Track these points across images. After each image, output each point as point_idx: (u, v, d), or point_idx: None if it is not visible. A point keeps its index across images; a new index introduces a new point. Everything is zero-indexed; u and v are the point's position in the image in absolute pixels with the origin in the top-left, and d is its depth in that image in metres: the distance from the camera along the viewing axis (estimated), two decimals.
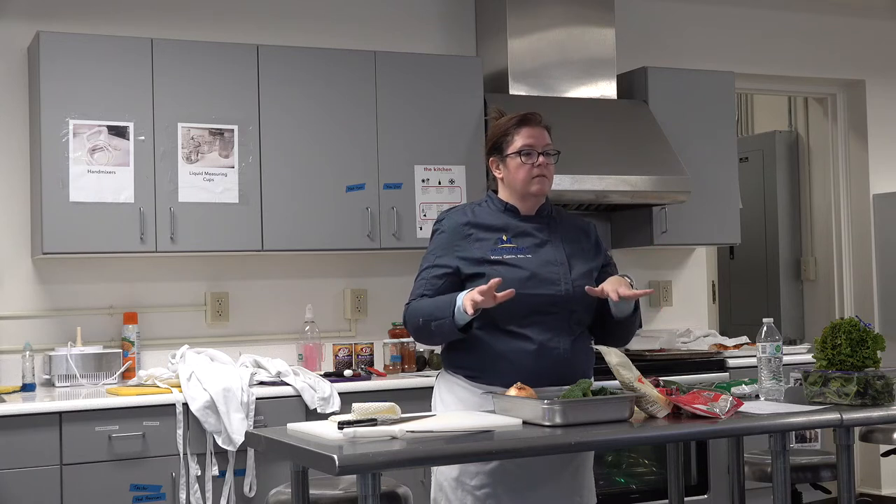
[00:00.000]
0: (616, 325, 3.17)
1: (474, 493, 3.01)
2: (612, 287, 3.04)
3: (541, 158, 3.12)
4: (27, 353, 4.27)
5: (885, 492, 6.07)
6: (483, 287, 2.89)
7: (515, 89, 5.04)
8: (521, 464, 2.99)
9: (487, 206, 3.21)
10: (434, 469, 3.13)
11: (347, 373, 4.48)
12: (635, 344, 5.19)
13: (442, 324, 3.01)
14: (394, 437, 2.61)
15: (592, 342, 3.22)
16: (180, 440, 3.97)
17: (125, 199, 4.26)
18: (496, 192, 3.24)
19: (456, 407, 3.12)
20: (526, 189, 3.14)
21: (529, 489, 3.02)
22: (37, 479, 3.79)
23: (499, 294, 2.89)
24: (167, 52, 4.38)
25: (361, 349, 4.66)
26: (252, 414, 4.04)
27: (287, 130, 4.55)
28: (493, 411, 2.92)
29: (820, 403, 3.07)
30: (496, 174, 3.21)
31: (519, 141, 3.13)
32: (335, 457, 2.41)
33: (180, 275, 4.71)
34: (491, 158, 3.21)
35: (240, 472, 4.06)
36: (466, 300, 2.92)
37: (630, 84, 5.34)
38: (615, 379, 2.93)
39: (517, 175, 3.13)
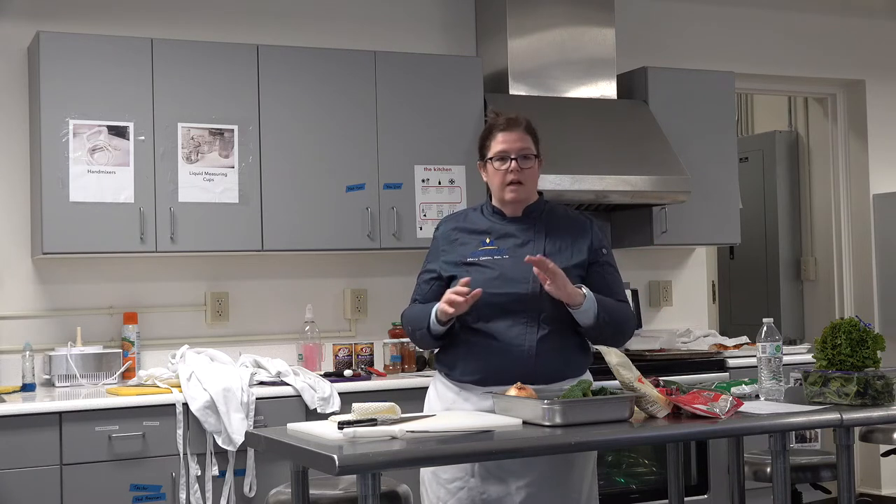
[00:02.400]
0: (585, 331, 3.16)
1: (446, 486, 3.10)
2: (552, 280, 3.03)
3: (513, 164, 3.14)
4: (27, 353, 4.27)
5: (885, 492, 6.07)
6: (448, 295, 3.01)
7: (515, 89, 5.03)
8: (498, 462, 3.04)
9: (481, 210, 3.30)
10: None
11: (347, 373, 4.48)
12: (635, 344, 5.21)
13: (424, 333, 3.18)
14: (394, 437, 2.61)
15: (579, 341, 3.21)
16: (180, 440, 3.97)
17: (125, 199, 4.26)
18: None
19: (436, 401, 3.24)
20: (500, 195, 3.21)
21: (506, 482, 3.05)
22: (37, 479, 3.79)
23: (467, 297, 2.99)
24: (167, 52, 4.38)
25: (361, 349, 4.66)
26: (252, 414, 4.04)
27: (287, 130, 4.55)
28: (492, 411, 2.93)
29: (820, 403, 3.07)
30: (483, 178, 3.29)
31: (495, 146, 3.19)
32: (335, 457, 2.41)
33: (180, 275, 4.71)
34: (478, 162, 3.29)
35: (240, 472, 4.06)
36: (439, 312, 3.08)
37: (630, 84, 5.34)
38: (615, 379, 2.94)
39: (494, 181, 3.21)
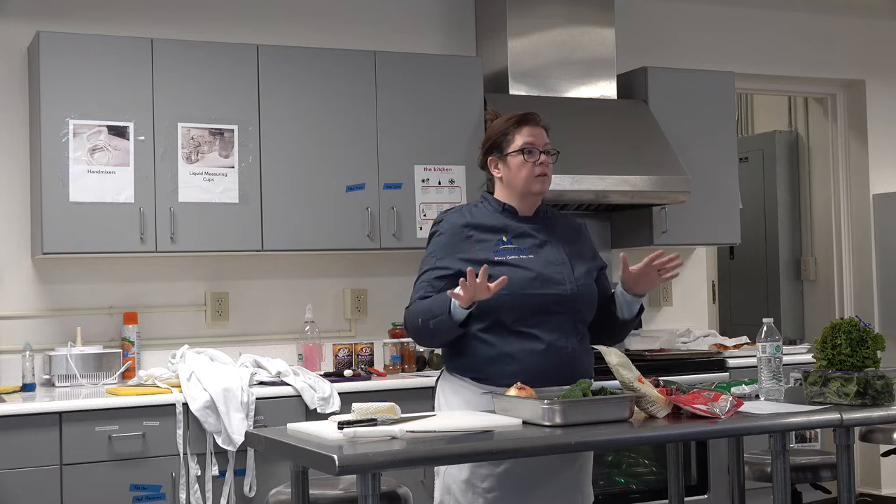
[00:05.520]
0: (619, 324, 3.20)
1: (486, 496, 2.99)
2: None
3: (542, 157, 3.12)
4: (27, 353, 4.27)
5: (885, 492, 6.07)
6: (462, 283, 2.88)
7: (515, 89, 5.04)
8: (530, 465, 2.98)
9: (484, 207, 3.20)
10: (440, 472, 3.11)
11: (347, 373, 4.48)
12: (635, 344, 5.21)
13: (440, 321, 2.99)
14: (394, 437, 2.61)
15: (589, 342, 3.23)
16: (180, 440, 3.97)
17: (125, 199, 4.26)
18: (492, 193, 3.24)
19: (461, 408, 3.10)
20: (527, 188, 3.13)
21: (536, 490, 3.01)
22: (37, 479, 3.79)
23: (491, 285, 2.88)
24: (167, 52, 4.38)
25: (361, 349, 4.66)
26: (252, 414, 4.04)
27: (287, 130, 4.55)
28: (493, 411, 2.92)
29: (820, 403, 3.07)
30: (495, 174, 3.19)
31: (520, 140, 3.13)
32: (335, 457, 2.41)
33: (180, 275, 4.71)
34: (489, 158, 3.20)
35: (240, 472, 4.06)
36: (456, 298, 2.92)
37: (630, 84, 5.34)
38: (615, 379, 2.93)
39: (519, 173, 3.12)
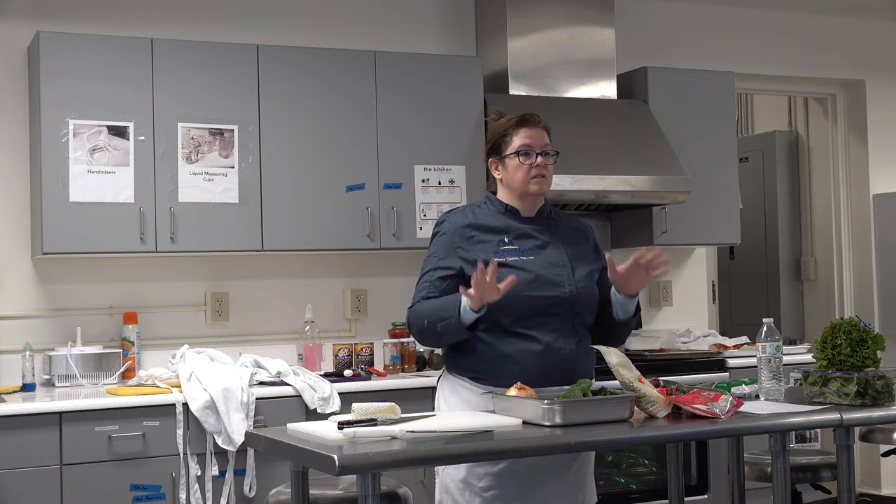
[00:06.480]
0: (617, 326, 3.19)
1: (482, 495, 3.00)
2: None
3: (539, 159, 3.13)
4: (27, 353, 4.27)
5: (885, 492, 6.07)
6: (475, 278, 2.87)
7: (515, 89, 5.04)
8: (528, 464, 2.98)
9: (487, 208, 3.20)
10: (439, 471, 3.12)
11: (347, 373, 4.48)
12: (635, 344, 5.21)
13: (448, 324, 2.99)
14: (394, 437, 2.61)
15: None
16: (180, 440, 3.97)
17: (125, 199, 4.26)
18: (495, 193, 3.25)
19: (461, 408, 3.11)
20: (524, 189, 3.13)
21: (534, 489, 3.01)
22: (37, 479, 3.79)
23: (500, 285, 2.89)
24: (167, 52, 4.38)
25: (361, 349, 4.66)
26: (252, 414, 4.04)
27: (287, 130, 4.55)
28: (493, 411, 2.93)
29: (820, 403, 3.07)
30: (495, 175, 3.21)
31: (517, 141, 3.13)
32: (335, 457, 2.41)
33: (180, 275, 4.71)
34: (490, 159, 3.21)
35: (240, 472, 4.06)
36: (469, 299, 2.93)
37: (630, 84, 5.34)
38: (615, 379, 2.93)
39: (516, 175, 3.13)
